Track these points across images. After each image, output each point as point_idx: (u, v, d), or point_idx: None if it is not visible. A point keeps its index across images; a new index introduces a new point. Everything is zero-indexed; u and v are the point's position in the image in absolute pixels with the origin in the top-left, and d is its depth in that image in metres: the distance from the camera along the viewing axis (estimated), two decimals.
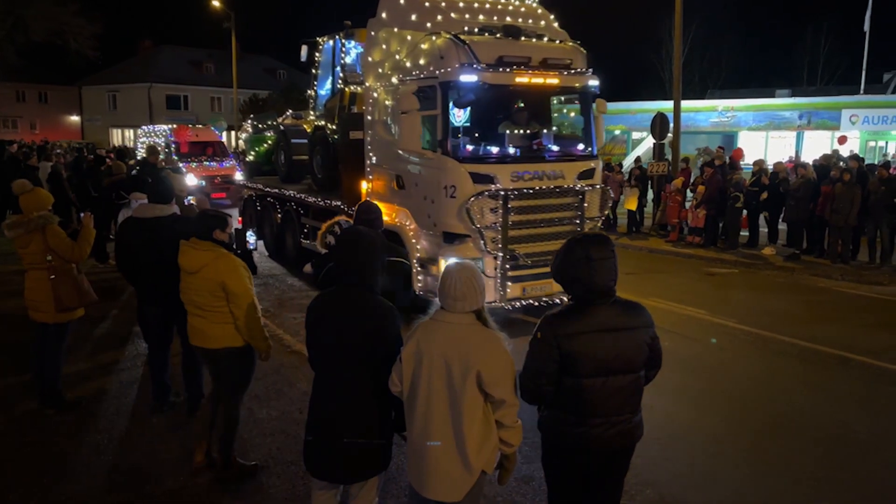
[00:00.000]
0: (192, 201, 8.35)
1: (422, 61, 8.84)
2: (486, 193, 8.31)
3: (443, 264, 8.54)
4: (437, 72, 8.53)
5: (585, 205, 8.95)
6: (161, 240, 5.59)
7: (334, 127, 12.21)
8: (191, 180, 22.73)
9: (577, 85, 9.10)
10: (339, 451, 3.41)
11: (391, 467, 3.95)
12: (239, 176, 23.47)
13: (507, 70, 8.46)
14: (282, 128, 14.66)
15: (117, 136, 55.39)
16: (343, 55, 12.25)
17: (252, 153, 16.03)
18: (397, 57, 9.38)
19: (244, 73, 46.11)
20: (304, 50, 13.54)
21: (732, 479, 5.41)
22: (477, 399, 3.10)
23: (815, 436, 6.21)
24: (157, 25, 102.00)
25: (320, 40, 13.18)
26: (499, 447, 3.24)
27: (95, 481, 5.04)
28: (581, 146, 9.36)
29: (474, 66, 8.26)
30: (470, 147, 8.69)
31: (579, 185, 8.94)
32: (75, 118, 60.69)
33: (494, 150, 8.79)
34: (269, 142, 15.71)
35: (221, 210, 5.44)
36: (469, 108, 8.64)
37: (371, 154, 10.13)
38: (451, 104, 8.52)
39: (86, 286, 6.18)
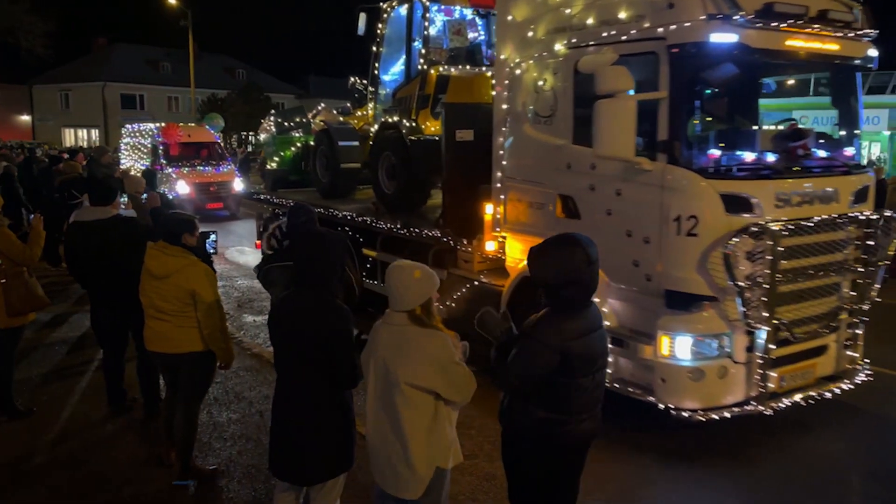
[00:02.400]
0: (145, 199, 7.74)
1: (622, 14, 5.48)
2: (752, 229, 5.00)
3: (664, 342, 5.25)
4: (660, 29, 5.19)
5: (872, 243, 5.67)
6: (106, 242, 5.69)
7: (412, 123, 8.79)
8: (181, 188, 19.20)
9: (857, 55, 5.80)
10: (298, 452, 3.45)
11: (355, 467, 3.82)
12: (239, 183, 19.92)
13: (782, 27, 5.15)
14: (323, 125, 11.16)
15: (70, 137, 54.22)
16: (426, 24, 8.83)
17: (275, 159, 12.50)
18: (567, 11, 6.01)
19: (202, 73, 46.23)
20: (361, 19, 10.06)
21: None
22: (416, 403, 3.13)
23: None
24: (112, 23, 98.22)
25: (385, 6, 9.72)
26: (456, 441, 3.33)
27: (50, 490, 4.96)
28: (848, 150, 6.05)
29: (733, 16, 4.94)
30: (714, 153, 5.34)
31: (866, 213, 5.67)
32: (26, 118, 58.09)
33: (747, 157, 5.45)
34: (298, 144, 12.23)
35: (188, 213, 5.30)
36: (714, 89, 5.30)
37: (506, 162, 6.72)
38: (687, 82, 5.18)
39: (37, 290, 6.08)
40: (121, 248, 5.58)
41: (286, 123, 12.52)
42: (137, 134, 21.79)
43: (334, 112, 12.33)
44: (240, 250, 14.74)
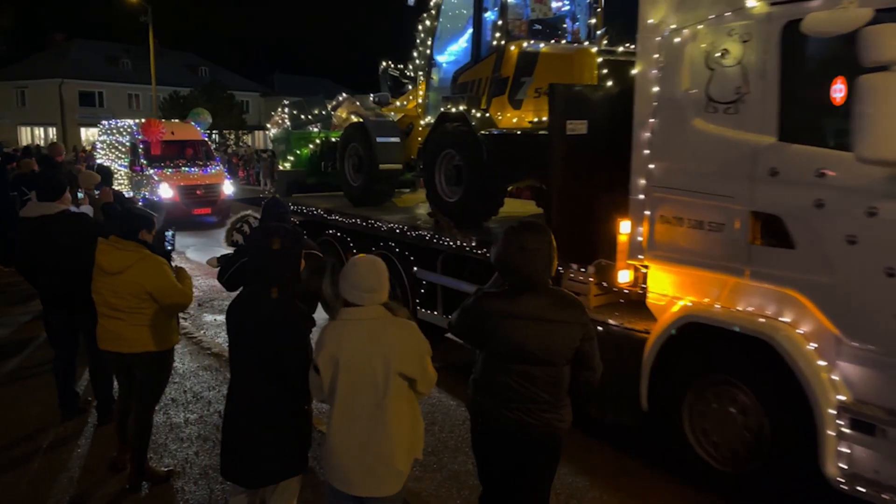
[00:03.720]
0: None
1: None
2: None
3: None
4: None
5: None
6: (53, 238, 5.56)
7: (483, 114, 7.00)
8: (164, 191, 17.17)
9: None
10: (249, 453, 3.41)
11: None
12: (229, 186, 17.92)
13: None
14: (354, 118, 9.31)
15: (26, 135, 51.98)
16: None
17: (289, 158, 10.59)
18: None
19: (164, 70, 45.23)
20: None
21: None
22: (402, 394, 3.14)
23: None
24: (70, 18, 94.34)
25: None
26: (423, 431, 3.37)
27: None
28: None
29: None
30: None
31: None
32: None
33: None
34: (319, 140, 10.34)
35: (149, 210, 5.02)
36: None
37: (654, 165, 4.95)
38: None
39: None
40: (69, 245, 5.46)
41: (303, 116, 10.62)
42: (115, 131, 19.60)
43: (358, 104, 10.47)
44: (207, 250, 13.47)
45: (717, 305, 4.62)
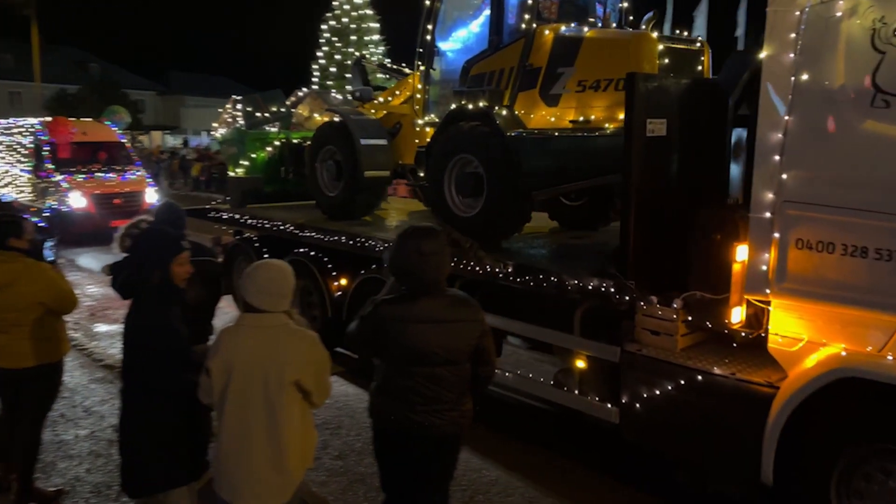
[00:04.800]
0: None
1: None
2: None
3: None
4: None
5: None
6: None
7: (508, 112, 5.82)
8: (75, 200, 15.14)
9: None
10: (136, 464, 3.38)
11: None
12: (152, 194, 16.00)
13: None
14: (332, 116, 7.92)
15: None
16: None
17: (242, 162, 9.04)
18: None
19: (49, 66, 42.44)
20: None
21: None
22: (295, 404, 3.10)
23: None
24: None
25: None
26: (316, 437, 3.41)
27: None
28: None
29: None
30: None
31: None
32: None
33: None
34: (279, 141, 8.88)
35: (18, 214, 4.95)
36: None
37: (788, 175, 3.87)
38: None
39: None
40: None
41: (259, 114, 9.10)
42: (11, 131, 17.19)
43: (321, 100, 9.09)
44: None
45: (889, 357, 3.58)
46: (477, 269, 5.55)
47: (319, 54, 26.18)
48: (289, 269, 3.19)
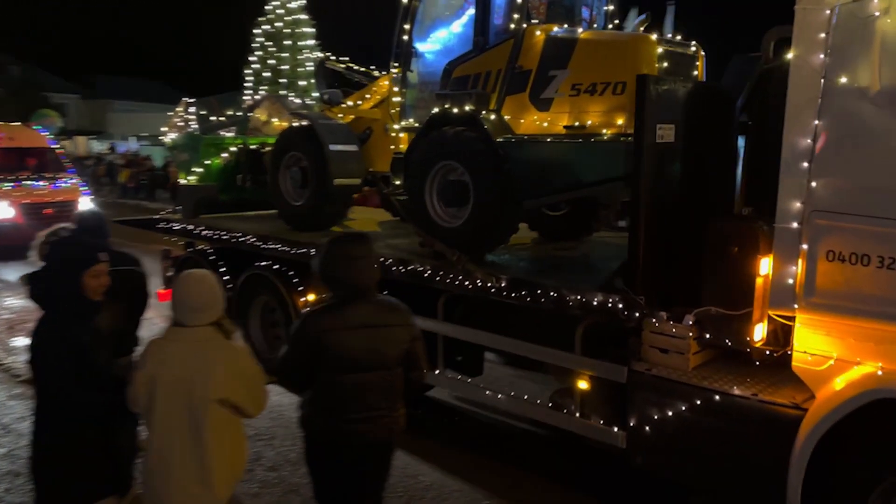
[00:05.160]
0: None
1: None
2: None
3: None
4: None
5: None
6: None
7: (497, 117, 5.50)
8: (1, 210, 14.12)
9: None
10: (52, 481, 3.26)
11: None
12: (87, 202, 15.06)
13: None
14: (277, 122, 7.47)
15: None
16: None
17: (195, 169, 8.45)
18: None
19: None
20: None
21: None
22: (223, 417, 3.04)
23: None
24: None
25: None
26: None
27: None
28: None
29: None
30: None
31: None
32: None
33: None
34: (236, 147, 8.34)
35: None
36: None
37: (818, 182, 3.65)
38: None
39: None
40: None
41: (213, 118, 8.54)
42: None
43: (279, 104, 8.61)
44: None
45: None
46: (466, 283, 5.20)
47: (253, 59, 25.52)
48: (211, 279, 3.15)
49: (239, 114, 8.54)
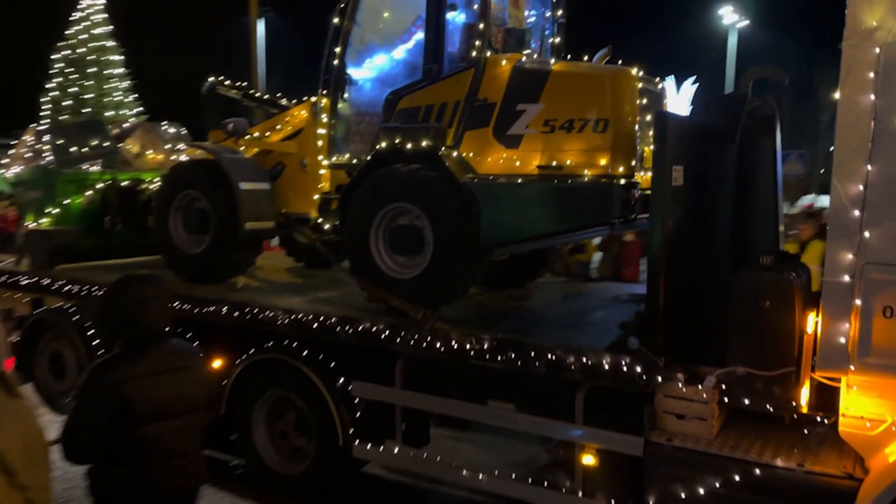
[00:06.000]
0: None
1: None
2: None
3: None
4: None
5: None
6: None
7: (457, 153, 4.90)
8: None
9: None
10: None
11: None
12: None
13: None
14: (153, 155, 6.40)
15: None
16: None
17: (48, 210, 6.97)
18: None
19: None
20: None
21: None
22: None
23: None
24: None
25: None
26: None
27: None
28: None
29: None
30: None
31: None
32: None
33: None
34: (102, 183, 7.02)
35: None
36: None
37: (872, 232, 3.38)
38: None
39: None
40: None
41: (74, 149, 7.09)
42: None
43: (154, 134, 7.43)
44: None
45: None
46: (437, 345, 4.47)
47: (51, 85, 23.12)
48: None
49: (106, 144, 7.17)
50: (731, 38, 23.90)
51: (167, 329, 3.21)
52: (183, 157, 7.50)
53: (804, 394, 3.64)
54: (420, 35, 5.28)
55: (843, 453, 3.61)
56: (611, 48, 5.25)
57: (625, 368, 3.89)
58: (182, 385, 3.11)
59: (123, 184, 7.04)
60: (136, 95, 24.28)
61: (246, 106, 6.88)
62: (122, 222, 7.01)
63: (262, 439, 5.38)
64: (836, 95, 3.44)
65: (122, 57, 23.86)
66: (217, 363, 5.61)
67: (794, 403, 3.65)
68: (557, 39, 5.82)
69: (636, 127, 4.62)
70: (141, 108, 23.77)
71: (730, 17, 23.79)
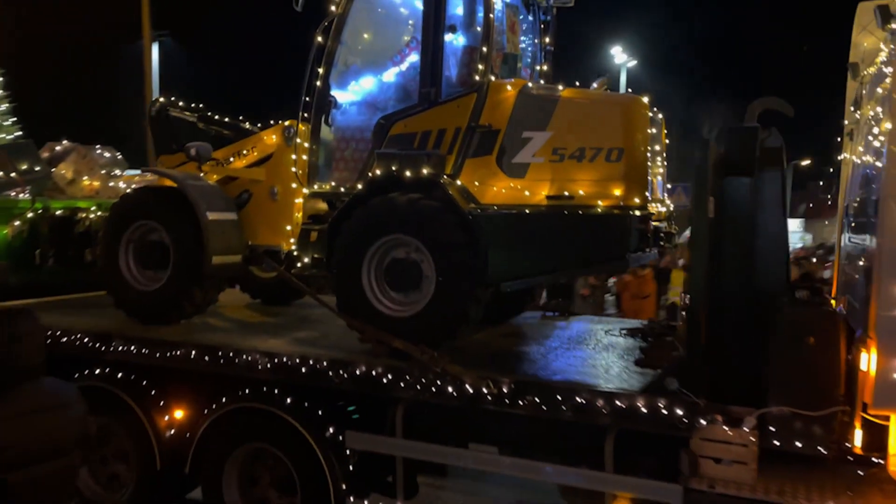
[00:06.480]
0: None
1: None
2: None
3: None
4: None
5: None
6: None
7: (458, 182, 4.62)
8: None
9: None
10: None
11: None
12: None
13: None
14: (89, 182, 5.83)
15: None
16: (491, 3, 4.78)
17: None
18: None
19: None
20: None
21: None
22: None
23: None
24: None
25: None
26: None
27: None
28: None
29: None
30: None
31: None
32: None
33: None
34: (33, 212, 6.27)
35: None
36: None
37: None
38: None
39: None
40: None
41: (1, 174, 6.30)
42: None
43: (90, 158, 6.79)
44: None
45: None
46: (448, 390, 4.09)
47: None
48: None
49: (37, 169, 6.42)
50: (622, 76, 24.80)
51: (39, 366, 3.04)
52: (122, 184, 6.86)
53: (857, 434, 3.50)
54: (414, 57, 4.98)
55: (887, 492, 3.47)
56: (608, 77, 5.13)
57: (664, 411, 3.65)
58: (53, 425, 2.95)
59: (58, 213, 6.31)
60: (15, 119, 22.66)
61: (201, 129, 6.31)
62: (55, 256, 6.26)
63: (234, 498, 4.81)
64: (888, 126, 3.37)
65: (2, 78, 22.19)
66: (178, 414, 5.05)
67: (847, 444, 3.49)
68: (545, 67, 5.66)
69: (648, 156, 4.47)
70: (20, 133, 22.16)
71: (620, 57, 24.74)
